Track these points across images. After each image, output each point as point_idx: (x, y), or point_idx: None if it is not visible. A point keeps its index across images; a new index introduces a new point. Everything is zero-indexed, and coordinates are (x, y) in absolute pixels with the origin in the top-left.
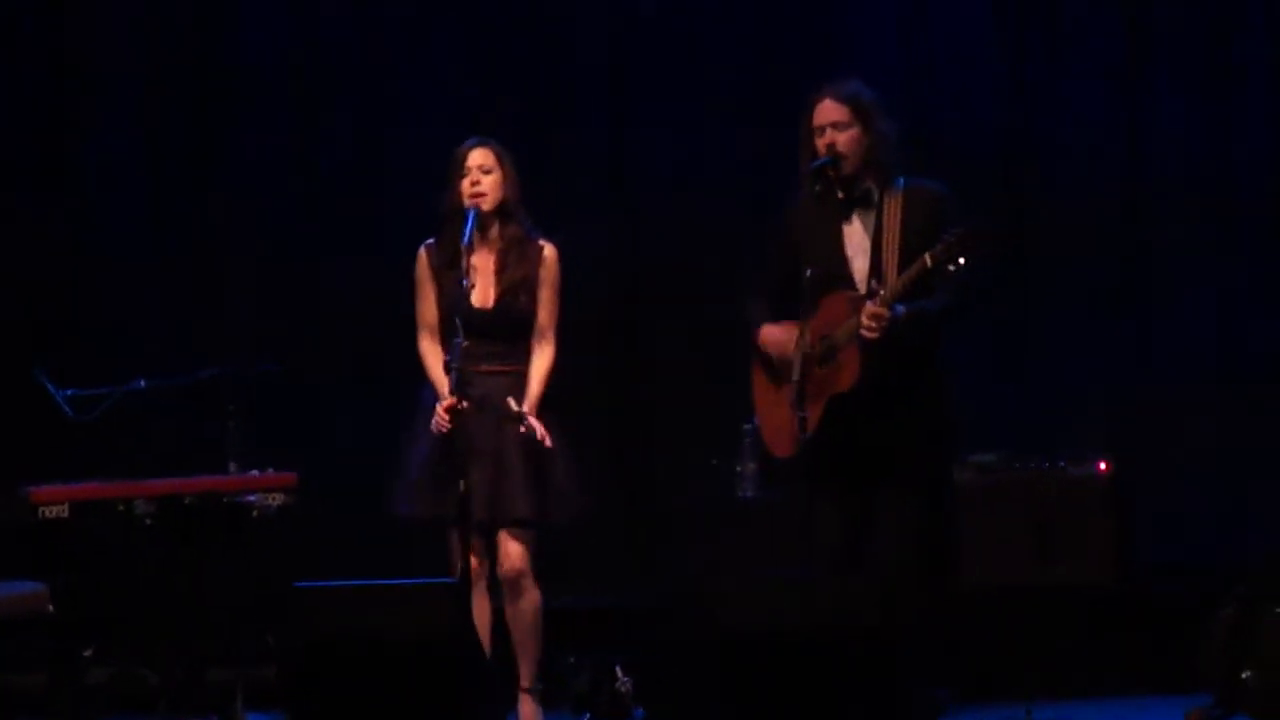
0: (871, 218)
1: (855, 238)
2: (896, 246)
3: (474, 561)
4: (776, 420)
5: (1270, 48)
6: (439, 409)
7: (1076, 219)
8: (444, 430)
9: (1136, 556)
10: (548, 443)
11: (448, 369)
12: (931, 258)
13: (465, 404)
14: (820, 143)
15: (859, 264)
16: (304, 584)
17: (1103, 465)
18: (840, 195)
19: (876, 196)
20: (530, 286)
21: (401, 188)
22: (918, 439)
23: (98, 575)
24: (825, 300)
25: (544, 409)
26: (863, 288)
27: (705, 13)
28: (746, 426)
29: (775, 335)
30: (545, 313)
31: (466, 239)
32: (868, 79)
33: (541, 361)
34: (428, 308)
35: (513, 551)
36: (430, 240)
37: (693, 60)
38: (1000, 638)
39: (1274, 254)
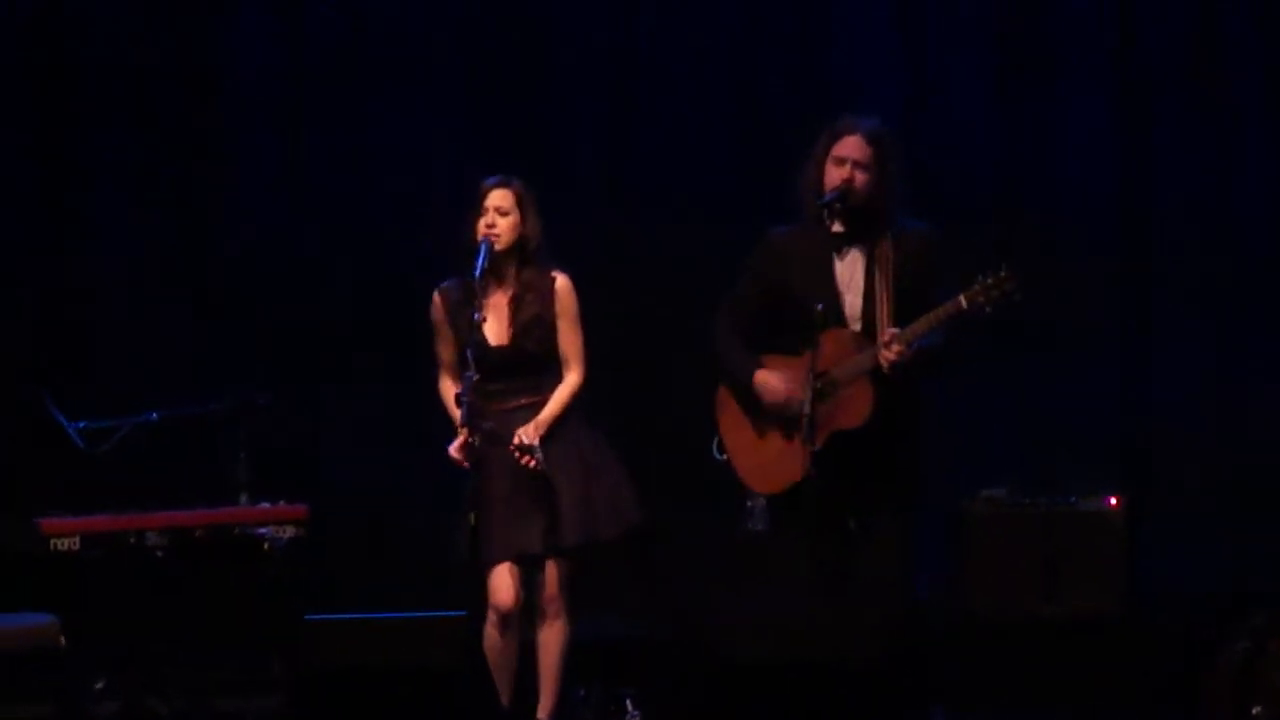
0: (864, 255)
1: (847, 274)
2: (889, 286)
3: (509, 596)
4: (757, 457)
5: (1267, 81)
6: (451, 449)
7: (1077, 256)
8: (463, 465)
9: (1145, 590)
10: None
11: (459, 402)
12: (968, 299)
13: (477, 439)
14: (839, 174)
15: (850, 300)
16: (314, 616)
17: (1113, 500)
18: (838, 229)
19: (871, 235)
20: (545, 324)
21: (413, 214)
22: (902, 472)
23: (109, 607)
24: (826, 336)
25: (582, 428)
26: (853, 324)
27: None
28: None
29: (774, 385)
30: (566, 343)
31: (478, 272)
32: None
33: (564, 388)
34: (445, 349)
35: (554, 579)
36: (445, 283)
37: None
38: (1009, 670)
39: (1275, 287)
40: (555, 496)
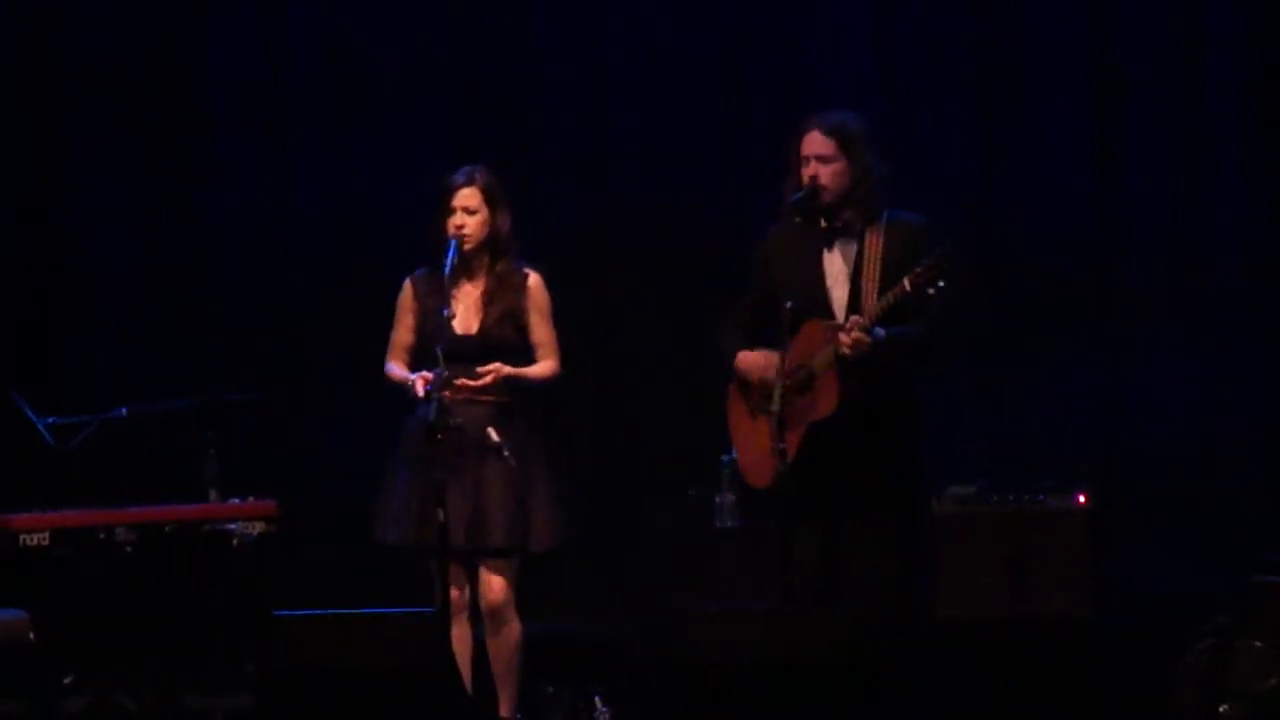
0: (853, 248)
1: (835, 267)
2: (876, 277)
3: (455, 591)
4: (754, 451)
5: (1241, 102)
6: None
7: (1051, 266)
8: (425, 389)
9: (1113, 589)
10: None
11: (428, 398)
12: (910, 281)
13: (441, 436)
14: (805, 173)
15: (838, 294)
16: (283, 612)
17: (1081, 498)
18: (823, 225)
19: (859, 227)
20: (516, 317)
21: (379, 213)
22: (890, 467)
23: (78, 603)
24: (803, 329)
25: (530, 435)
26: (841, 317)
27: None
28: (725, 458)
29: (753, 360)
30: (540, 335)
31: (448, 269)
32: None
33: (543, 366)
34: (403, 333)
35: (494, 583)
36: (418, 271)
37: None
38: (977, 669)
39: (1247, 295)
40: (500, 497)
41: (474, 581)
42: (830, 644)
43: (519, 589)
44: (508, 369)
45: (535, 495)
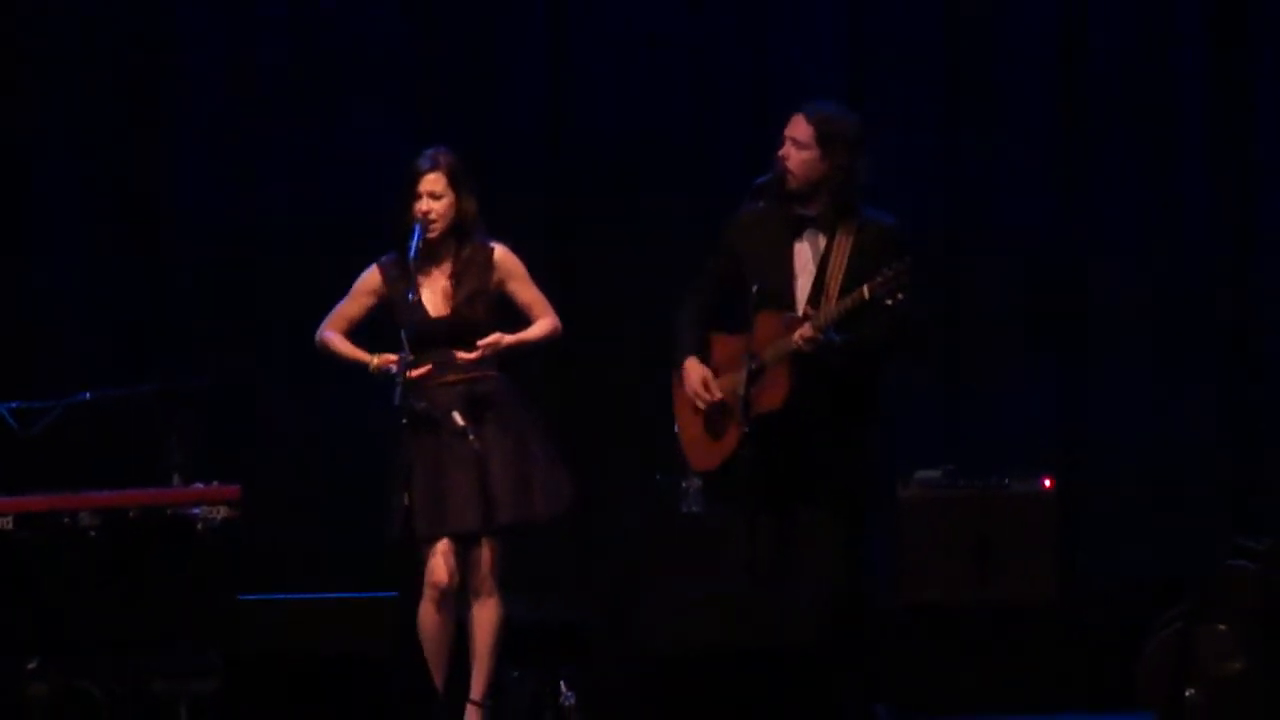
0: (821, 241)
1: (802, 257)
2: (841, 272)
3: (444, 575)
4: (694, 432)
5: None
6: (384, 363)
7: (1018, 263)
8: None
9: (1078, 574)
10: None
11: (394, 383)
12: (869, 289)
13: (405, 420)
14: (779, 153)
15: (802, 282)
16: (248, 597)
17: (1046, 482)
18: (802, 212)
19: (831, 221)
20: (486, 296)
21: (345, 198)
22: (842, 462)
23: (41, 588)
24: (759, 318)
25: (521, 406)
26: (801, 307)
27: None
28: None
29: (689, 374)
30: (525, 296)
31: (413, 253)
32: None
33: (542, 325)
34: (352, 308)
35: (485, 558)
36: (386, 257)
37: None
38: (942, 655)
39: (1209, 287)
40: (489, 475)
41: (462, 565)
42: (791, 629)
43: (504, 568)
44: (509, 338)
45: (534, 463)
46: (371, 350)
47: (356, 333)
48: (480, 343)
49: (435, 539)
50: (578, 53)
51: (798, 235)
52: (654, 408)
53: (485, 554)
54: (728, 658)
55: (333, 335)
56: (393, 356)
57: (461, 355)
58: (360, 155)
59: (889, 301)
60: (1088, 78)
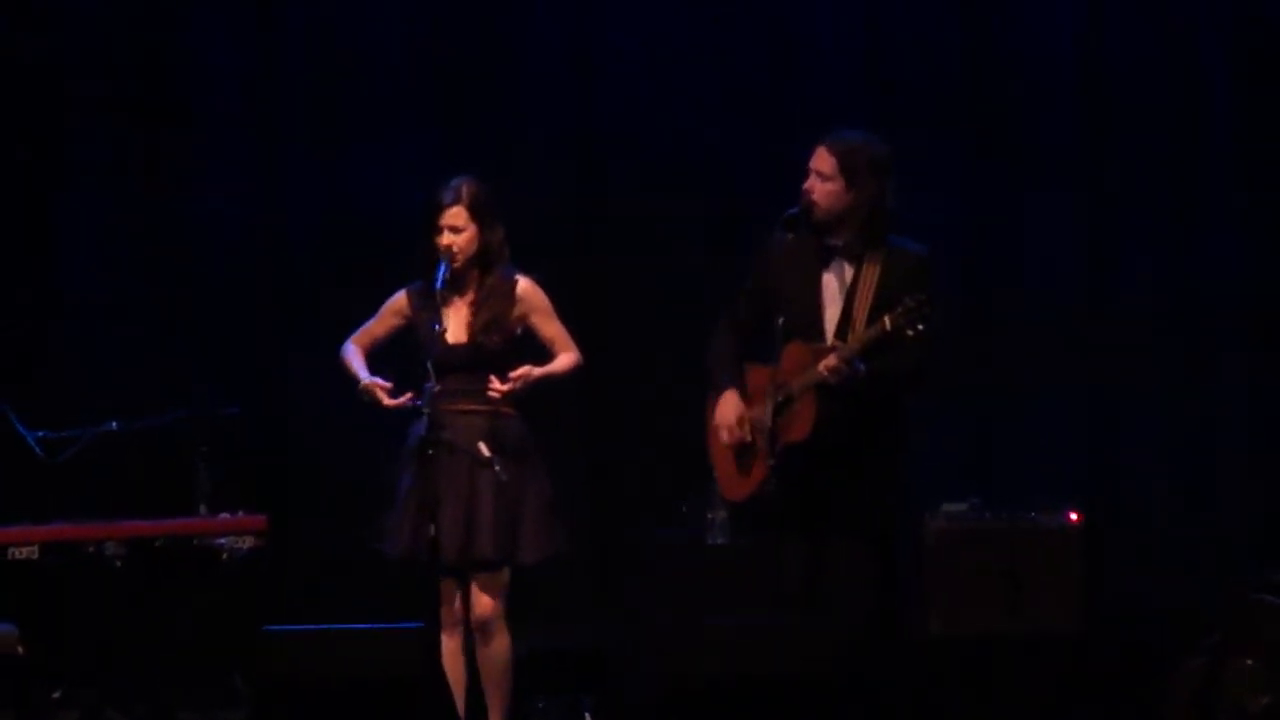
0: (849, 271)
1: (831, 287)
2: (868, 303)
3: (451, 605)
4: (726, 462)
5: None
6: (372, 386)
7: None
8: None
9: (1106, 606)
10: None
11: (419, 413)
12: (890, 320)
13: (431, 451)
14: (804, 186)
15: (831, 313)
16: (273, 627)
17: (1073, 515)
18: (834, 243)
19: (858, 251)
20: (504, 326)
21: (372, 226)
22: (869, 491)
23: (67, 617)
24: (787, 349)
25: (526, 444)
26: (830, 338)
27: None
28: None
29: (720, 410)
30: (548, 331)
31: (439, 284)
32: None
33: (566, 358)
34: (378, 328)
35: (483, 596)
36: (414, 284)
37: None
38: (970, 687)
39: (1239, 317)
40: (491, 510)
41: (467, 595)
42: (818, 659)
43: (510, 602)
44: (538, 370)
45: (527, 506)
46: (399, 378)
47: (382, 354)
48: (513, 374)
49: (453, 569)
50: (600, 59)
51: (826, 266)
52: (681, 437)
53: (485, 591)
54: (754, 687)
55: (351, 348)
56: (385, 388)
57: (494, 388)
58: (390, 183)
59: (910, 332)
60: (1111, 112)
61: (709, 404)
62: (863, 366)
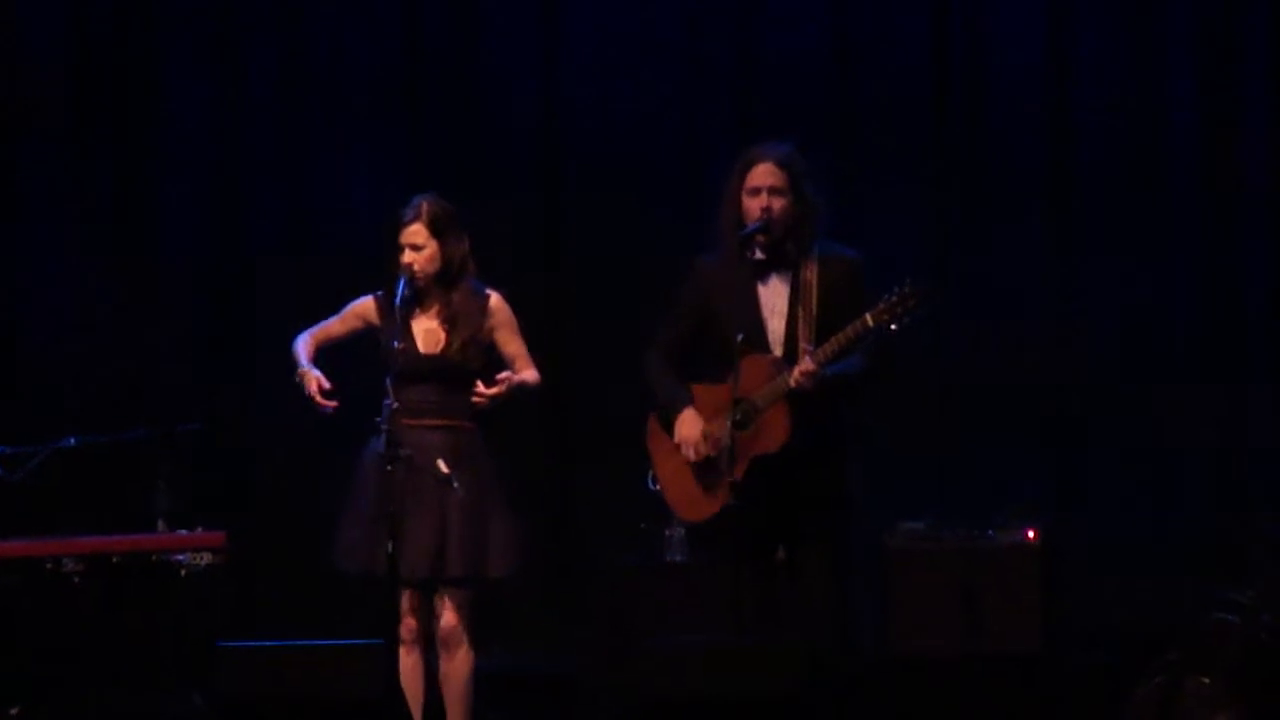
0: (788, 281)
1: (771, 300)
2: (813, 310)
3: (411, 621)
4: (685, 487)
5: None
6: (307, 374)
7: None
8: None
9: (1064, 625)
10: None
11: (377, 429)
12: (873, 317)
13: (390, 467)
14: (755, 204)
15: (774, 325)
16: (231, 643)
17: (1030, 534)
18: (761, 257)
19: (794, 259)
20: (477, 341)
21: (335, 239)
22: (830, 499)
23: (25, 633)
24: (744, 364)
25: (486, 460)
26: (777, 349)
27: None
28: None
29: (682, 425)
30: (513, 348)
31: (398, 300)
32: None
33: (530, 375)
34: (336, 327)
35: (449, 610)
36: (380, 292)
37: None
38: (929, 706)
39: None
40: (459, 525)
41: (429, 611)
42: (777, 677)
43: (474, 617)
44: (517, 378)
45: (492, 520)
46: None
47: (336, 352)
48: (500, 376)
49: (411, 584)
50: (569, 62)
51: (763, 279)
52: (640, 455)
53: (454, 604)
54: (713, 707)
55: (304, 339)
56: (320, 381)
57: (480, 392)
58: (350, 195)
59: (893, 326)
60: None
61: (650, 428)
62: (828, 370)
